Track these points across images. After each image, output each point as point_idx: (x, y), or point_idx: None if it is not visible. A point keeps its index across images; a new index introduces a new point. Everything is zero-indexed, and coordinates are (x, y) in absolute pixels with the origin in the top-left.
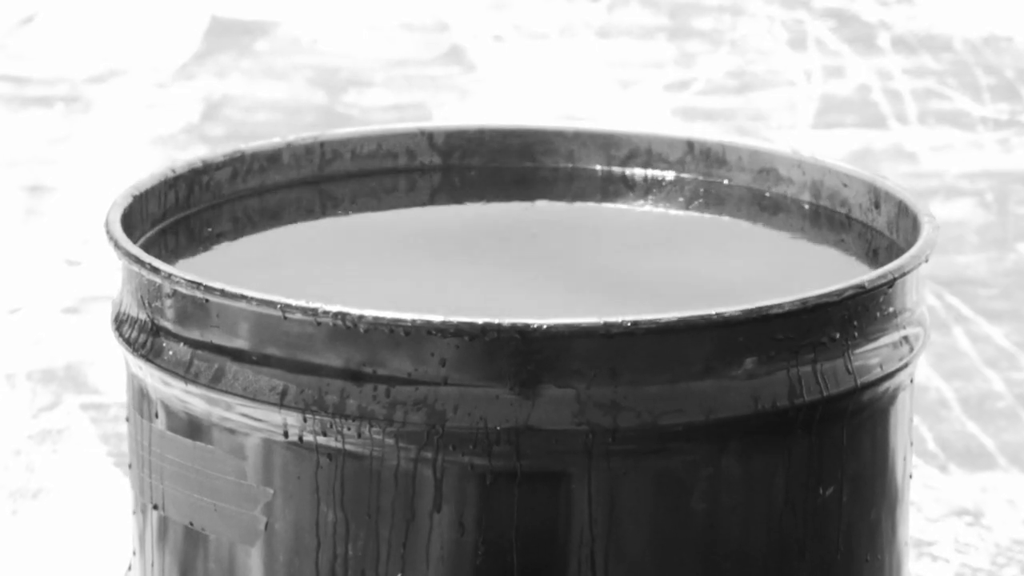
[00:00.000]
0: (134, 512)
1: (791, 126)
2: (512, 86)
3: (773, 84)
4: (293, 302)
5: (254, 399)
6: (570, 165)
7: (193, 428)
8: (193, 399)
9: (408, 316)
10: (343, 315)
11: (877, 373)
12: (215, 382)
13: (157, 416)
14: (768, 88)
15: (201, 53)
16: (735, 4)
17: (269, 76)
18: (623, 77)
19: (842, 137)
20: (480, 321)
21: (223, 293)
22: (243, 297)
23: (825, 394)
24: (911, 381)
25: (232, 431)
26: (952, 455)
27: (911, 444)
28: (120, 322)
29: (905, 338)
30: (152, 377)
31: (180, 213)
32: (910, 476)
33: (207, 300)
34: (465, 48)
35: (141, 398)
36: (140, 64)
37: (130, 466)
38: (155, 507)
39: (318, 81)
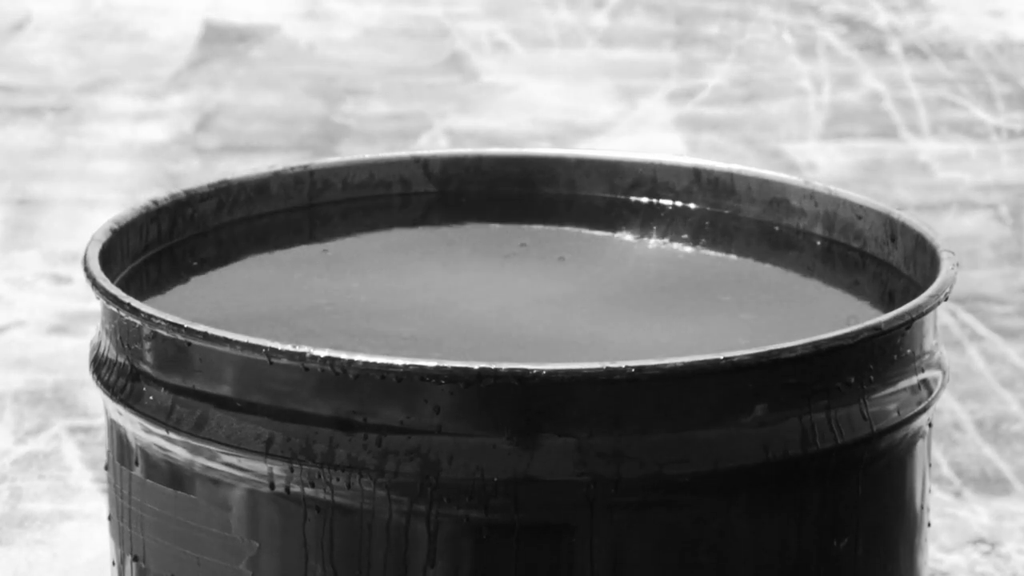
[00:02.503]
0: (113, 563)
1: (800, 136)
2: (514, 95)
3: (782, 92)
4: (279, 346)
5: (238, 448)
6: (572, 194)
7: (175, 477)
8: (175, 447)
9: (400, 361)
10: (332, 360)
11: (894, 419)
12: (198, 429)
13: (137, 464)
14: (776, 97)
15: (195, 61)
16: (742, 10)
17: (265, 85)
18: (627, 85)
19: (852, 148)
20: (476, 366)
21: (206, 336)
22: (227, 341)
23: (840, 442)
24: (929, 426)
25: (216, 481)
26: (967, 480)
27: (929, 491)
28: (98, 364)
29: (924, 382)
30: (132, 423)
31: (162, 246)
32: (928, 525)
33: (189, 344)
34: (466, 55)
35: (121, 445)
36: (132, 73)
37: (109, 517)
38: (135, 559)
39: (315, 90)
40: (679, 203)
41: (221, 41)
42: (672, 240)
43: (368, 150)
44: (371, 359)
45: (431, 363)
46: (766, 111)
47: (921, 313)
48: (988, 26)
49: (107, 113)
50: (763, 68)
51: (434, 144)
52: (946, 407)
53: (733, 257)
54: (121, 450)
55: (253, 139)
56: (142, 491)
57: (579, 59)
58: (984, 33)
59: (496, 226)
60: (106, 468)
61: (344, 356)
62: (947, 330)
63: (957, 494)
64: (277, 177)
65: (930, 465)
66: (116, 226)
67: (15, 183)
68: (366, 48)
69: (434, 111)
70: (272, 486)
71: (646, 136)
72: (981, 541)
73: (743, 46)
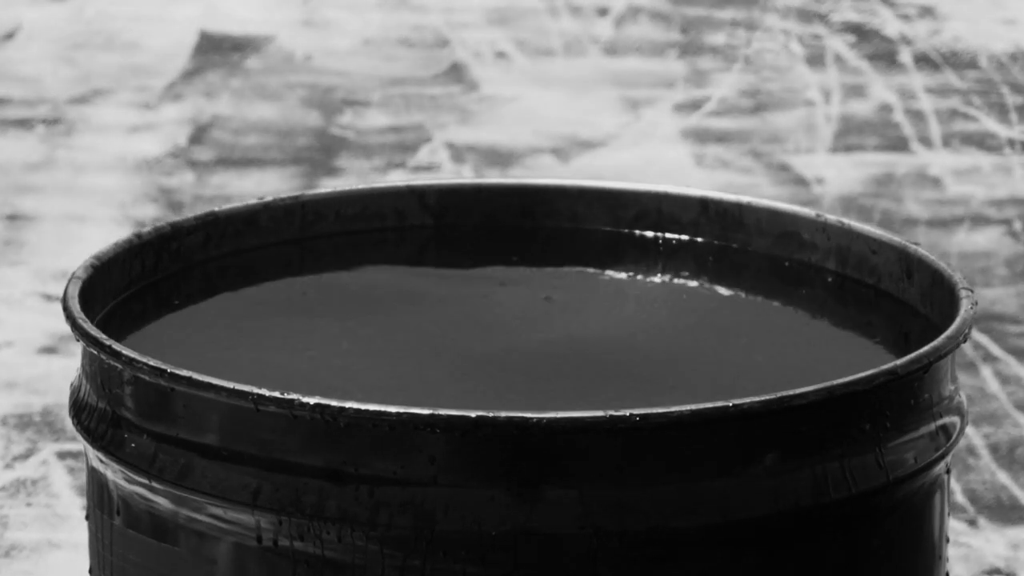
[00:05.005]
0: None
1: (808, 149)
2: (516, 106)
3: (790, 104)
4: (267, 393)
5: (224, 498)
6: (573, 227)
7: (158, 528)
8: (158, 497)
9: (393, 409)
10: (321, 408)
11: (911, 467)
12: (182, 479)
13: (119, 513)
14: (784, 108)
15: (189, 72)
16: (749, 18)
17: (261, 96)
18: (631, 96)
19: (862, 161)
20: (473, 414)
21: (190, 382)
22: (212, 387)
23: (854, 491)
24: (947, 472)
25: (200, 533)
26: (982, 508)
27: (947, 540)
28: (78, 409)
29: (942, 428)
30: (113, 471)
31: (146, 283)
32: (947, 574)
33: (172, 389)
34: (466, 65)
35: (101, 493)
36: (125, 83)
37: (90, 570)
38: None
39: (312, 101)
40: (685, 236)
41: (216, 51)
42: (676, 276)
43: (366, 163)
44: (363, 407)
45: (426, 411)
46: (773, 123)
47: (939, 356)
48: (1001, 35)
49: (99, 125)
50: (770, 78)
51: (434, 156)
52: None
53: (741, 295)
54: (102, 498)
55: (249, 152)
56: (124, 542)
57: (582, 69)
58: (997, 42)
59: (487, 260)
60: (87, 518)
61: (334, 403)
62: (960, 351)
63: (971, 522)
64: (267, 209)
65: (948, 513)
66: (98, 262)
67: (4, 198)
68: (364, 58)
69: (434, 123)
70: (259, 539)
71: (651, 149)
72: (997, 571)
73: (750, 56)
